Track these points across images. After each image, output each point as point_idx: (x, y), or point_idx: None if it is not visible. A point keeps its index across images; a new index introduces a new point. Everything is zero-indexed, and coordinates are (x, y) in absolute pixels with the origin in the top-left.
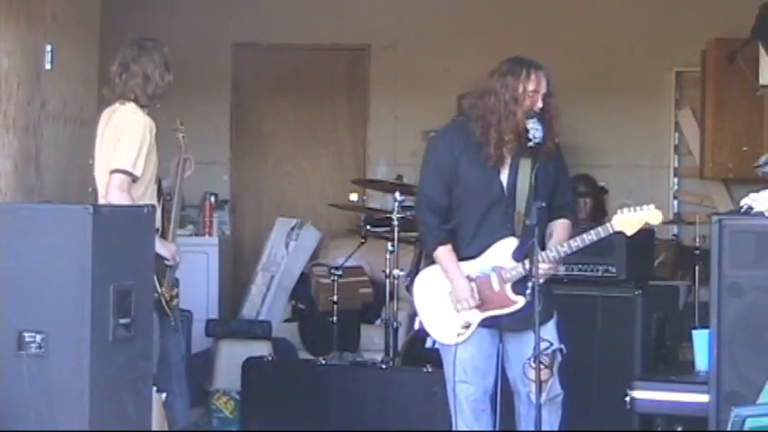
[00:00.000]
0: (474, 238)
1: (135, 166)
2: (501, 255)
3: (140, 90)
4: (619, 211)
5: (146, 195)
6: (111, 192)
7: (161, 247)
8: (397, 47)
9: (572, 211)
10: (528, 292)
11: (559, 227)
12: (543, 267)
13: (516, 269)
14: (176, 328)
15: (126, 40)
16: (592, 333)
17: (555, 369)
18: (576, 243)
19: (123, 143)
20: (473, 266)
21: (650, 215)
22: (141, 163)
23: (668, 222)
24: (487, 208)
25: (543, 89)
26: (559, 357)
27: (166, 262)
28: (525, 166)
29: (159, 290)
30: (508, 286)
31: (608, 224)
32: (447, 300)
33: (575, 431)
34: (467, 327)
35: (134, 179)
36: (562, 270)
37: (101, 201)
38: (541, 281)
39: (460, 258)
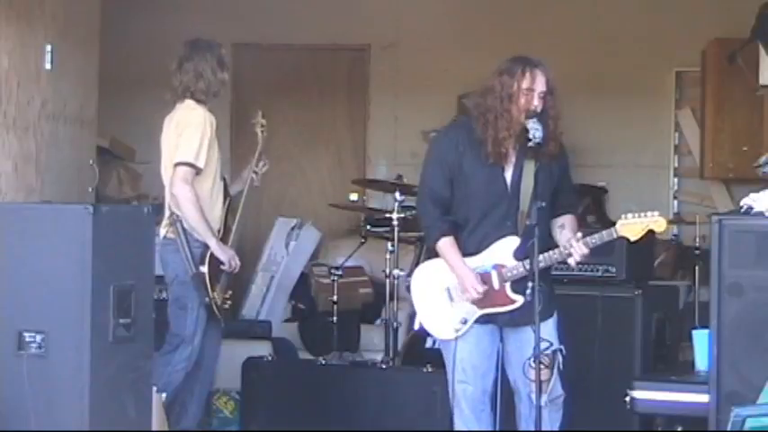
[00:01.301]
0: (473, 234)
1: (197, 157)
2: (502, 253)
3: (194, 86)
4: (623, 217)
5: (214, 190)
6: (176, 183)
7: (219, 251)
8: (397, 47)
9: (576, 210)
10: (528, 292)
11: (569, 220)
12: (583, 253)
13: (517, 268)
14: (221, 332)
15: (184, 42)
16: (592, 333)
17: (555, 370)
18: (567, 251)
19: (184, 137)
20: (473, 262)
21: (654, 222)
22: (203, 155)
23: (668, 222)
24: (490, 205)
25: (540, 87)
26: (560, 358)
27: (222, 266)
28: (529, 166)
29: (210, 294)
30: (508, 285)
31: (612, 229)
32: (444, 295)
33: (575, 431)
34: (464, 323)
35: (198, 171)
36: (562, 270)
37: (167, 196)
38: (577, 260)
39: (463, 254)
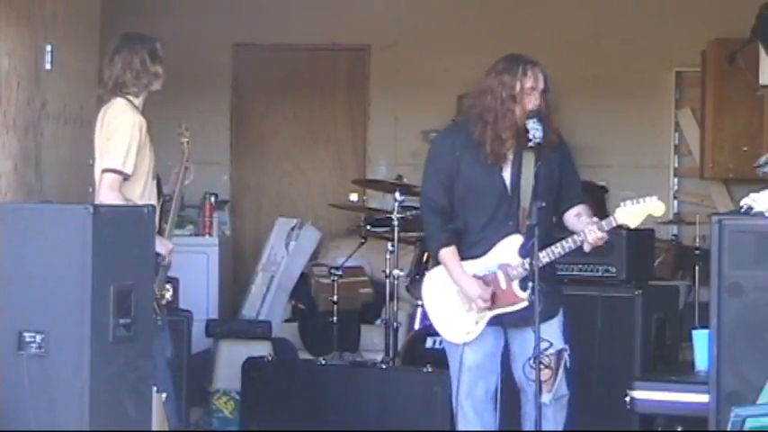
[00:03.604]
0: (480, 236)
1: (125, 164)
2: (506, 252)
3: (122, 78)
4: (621, 204)
5: (145, 194)
6: (102, 191)
7: (158, 244)
8: (397, 47)
9: (584, 201)
10: (528, 291)
11: (582, 208)
12: (598, 236)
13: (522, 266)
14: (162, 328)
15: (117, 36)
16: (592, 333)
17: (561, 369)
18: (580, 237)
19: (112, 142)
20: (479, 265)
21: (653, 207)
22: (131, 161)
23: (668, 222)
24: (493, 207)
25: (541, 86)
26: (565, 357)
27: (159, 260)
28: (528, 163)
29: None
30: (515, 283)
31: (611, 217)
32: (456, 299)
33: (575, 431)
34: (476, 324)
35: (125, 177)
36: (562, 270)
37: (96, 200)
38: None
39: (467, 257)
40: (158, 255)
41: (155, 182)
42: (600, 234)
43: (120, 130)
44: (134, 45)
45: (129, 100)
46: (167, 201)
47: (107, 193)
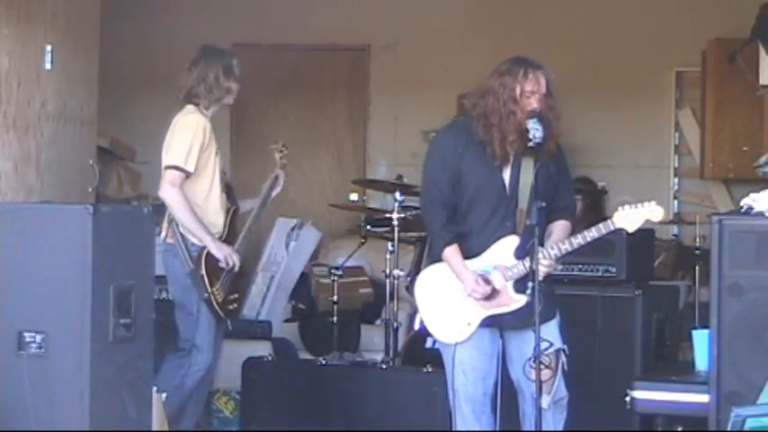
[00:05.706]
0: (477, 236)
1: (187, 161)
2: (502, 253)
3: (194, 89)
4: (620, 208)
5: (211, 194)
6: (163, 186)
7: (215, 248)
8: (397, 47)
9: (572, 212)
10: (528, 291)
11: (559, 228)
12: (544, 264)
13: (517, 267)
14: (222, 335)
15: (200, 46)
16: (592, 333)
17: (559, 370)
18: (578, 240)
19: (175, 140)
20: (475, 265)
21: (651, 212)
22: (193, 159)
23: (668, 222)
24: (492, 207)
25: (542, 89)
26: (563, 358)
27: (220, 264)
28: (527, 165)
29: (209, 289)
30: (509, 284)
31: (609, 221)
32: (449, 298)
33: (575, 431)
34: (468, 325)
35: (187, 175)
36: (562, 270)
37: (159, 194)
38: (541, 278)
39: (465, 257)
40: (217, 260)
41: (222, 186)
42: (546, 263)
43: (183, 130)
44: (210, 59)
45: (197, 106)
46: (235, 210)
47: (168, 189)
